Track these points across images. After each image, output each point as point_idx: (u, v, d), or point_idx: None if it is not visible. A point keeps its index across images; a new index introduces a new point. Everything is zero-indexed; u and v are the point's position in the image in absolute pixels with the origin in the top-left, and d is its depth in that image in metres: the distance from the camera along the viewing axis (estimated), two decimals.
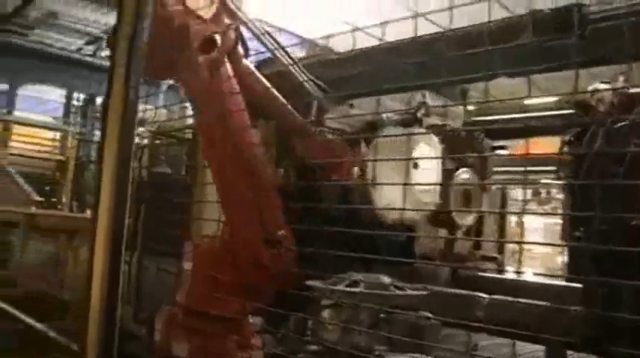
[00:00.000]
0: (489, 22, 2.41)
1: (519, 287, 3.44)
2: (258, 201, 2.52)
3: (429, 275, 3.80)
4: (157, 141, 5.01)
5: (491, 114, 5.81)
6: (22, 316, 3.68)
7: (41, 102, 12.46)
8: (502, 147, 5.43)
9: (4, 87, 11.08)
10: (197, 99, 2.68)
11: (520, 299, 2.80)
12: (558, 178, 3.87)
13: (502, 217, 5.61)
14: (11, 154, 8.96)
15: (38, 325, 3.60)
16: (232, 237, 2.54)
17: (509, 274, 5.28)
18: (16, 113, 11.34)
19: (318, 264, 2.49)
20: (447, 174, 4.38)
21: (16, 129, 9.66)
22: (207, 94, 2.56)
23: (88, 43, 13.19)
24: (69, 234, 5.16)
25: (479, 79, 2.90)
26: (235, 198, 2.54)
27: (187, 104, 3.89)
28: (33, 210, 5.42)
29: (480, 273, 4.18)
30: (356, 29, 2.62)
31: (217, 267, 2.55)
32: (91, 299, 1.62)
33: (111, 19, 11.77)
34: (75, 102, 11.64)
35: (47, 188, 9.09)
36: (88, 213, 7.80)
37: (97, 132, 10.86)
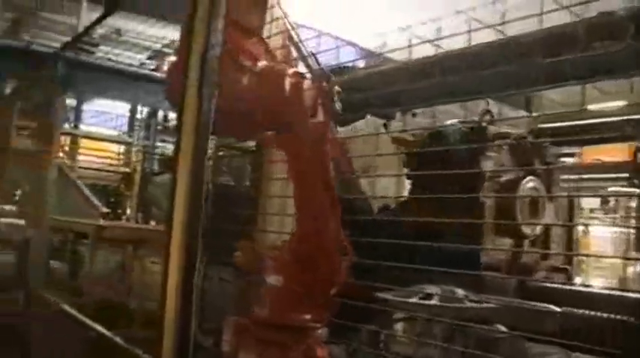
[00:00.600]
0: (549, 28, 2.36)
1: (592, 299, 3.33)
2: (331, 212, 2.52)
3: (495, 286, 3.71)
4: (220, 153, 5.07)
5: (557, 121, 5.68)
6: (93, 324, 3.78)
7: (106, 116, 12.82)
8: (570, 155, 5.30)
9: (72, 102, 11.43)
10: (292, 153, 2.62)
11: (594, 312, 2.71)
12: (632, 186, 3.75)
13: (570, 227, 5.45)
14: (79, 167, 9.25)
15: (107, 333, 3.70)
16: (306, 246, 2.53)
17: (579, 285, 5.12)
18: (83, 127, 11.71)
19: (380, 275, 2.46)
20: (513, 183, 4.29)
21: (83, 142, 9.97)
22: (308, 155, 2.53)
23: (150, 58, 13.53)
24: (135, 245, 5.26)
25: (548, 87, 2.84)
26: (314, 209, 2.53)
27: None
28: (101, 221, 5.56)
29: (549, 284, 4.06)
30: (420, 42, 2.59)
31: (286, 278, 2.55)
32: (166, 310, 1.64)
33: (170, 33, 12.06)
34: (139, 116, 11.93)
35: (112, 199, 9.34)
36: (153, 223, 7.97)
37: (160, 145, 11.13)
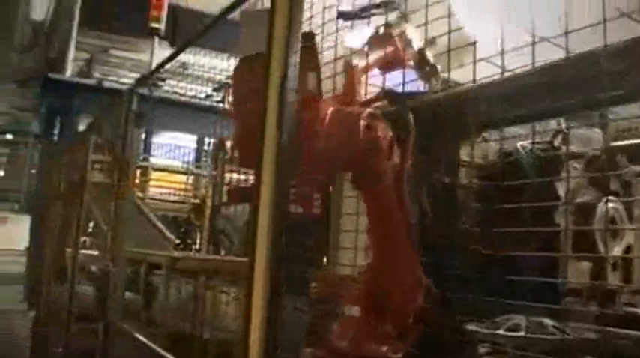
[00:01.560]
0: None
1: None
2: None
3: (576, 313, 3.56)
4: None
5: (634, 138, 5.45)
6: (167, 355, 3.82)
7: (175, 148, 13.14)
8: None
9: (141, 135, 11.77)
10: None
11: None
12: None
13: None
14: (149, 199, 9.49)
15: None
16: (381, 278, 2.50)
17: None
18: (152, 159, 12.03)
19: (457, 305, 2.39)
20: (590, 205, 4.13)
21: (153, 174, 10.24)
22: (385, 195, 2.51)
23: (215, 90, 13.84)
24: (207, 275, 5.31)
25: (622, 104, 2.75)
26: (389, 243, 2.49)
27: None
28: (175, 253, 5.65)
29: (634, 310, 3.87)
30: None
31: (362, 308, 2.51)
32: (250, 343, 1.63)
33: (231, 64, 12.32)
34: (206, 147, 12.18)
35: (182, 230, 9.52)
36: (222, 253, 8.06)
37: (227, 175, 11.29)
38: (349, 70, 2.66)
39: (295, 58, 1.53)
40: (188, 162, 11.01)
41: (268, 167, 1.59)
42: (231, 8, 2.34)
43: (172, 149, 13.32)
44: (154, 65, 11.00)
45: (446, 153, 4.12)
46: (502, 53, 2.50)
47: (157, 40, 11.33)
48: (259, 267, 1.58)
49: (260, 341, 1.58)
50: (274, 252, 1.57)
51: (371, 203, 2.52)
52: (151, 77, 4.40)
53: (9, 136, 20.04)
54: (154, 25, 11.57)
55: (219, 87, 13.55)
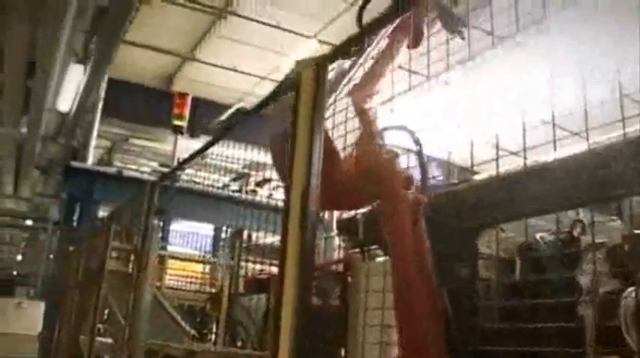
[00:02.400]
0: None
1: None
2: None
3: None
4: None
5: None
6: None
7: (191, 237, 13.22)
8: None
9: (158, 223, 11.88)
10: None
11: None
12: None
13: None
14: (166, 288, 9.46)
15: None
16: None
17: None
18: (169, 247, 12.07)
19: None
20: (613, 296, 4.06)
21: (170, 263, 10.25)
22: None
23: (233, 179, 14.04)
24: None
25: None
26: (421, 329, 2.49)
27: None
28: (193, 345, 5.58)
29: None
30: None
31: None
32: None
33: (252, 155, 12.55)
34: (223, 235, 12.24)
35: (198, 320, 9.42)
36: (239, 345, 7.94)
37: (244, 265, 11.29)
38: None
39: (318, 168, 1.58)
40: (205, 251, 11.04)
41: (292, 261, 1.61)
42: (265, 103, 2.42)
43: (189, 237, 13.39)
44: (176, 158, 11.27)
45: (464, 245, 4.10)
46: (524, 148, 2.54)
47: (178, 136, 11.70)
48: None
49: None
50: (297, 345, 1.57)
51: (398, 259, 2.57)
52: (176, 171, 4.49)
53: (29, 222, 20.25)
54: (177, 122, 11.96)
55: (238, 176, 13.76)
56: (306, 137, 1.61)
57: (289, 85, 1.78)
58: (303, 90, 1.63)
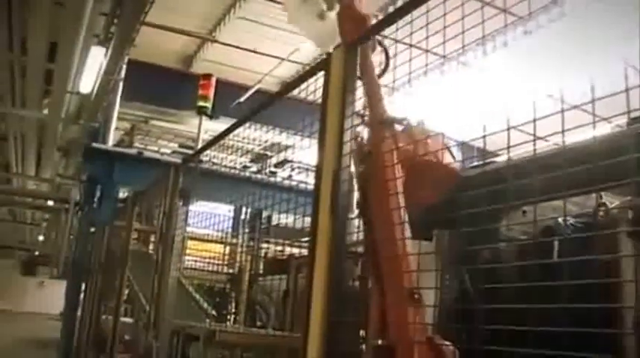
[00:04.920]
0: None
1: None
2: None
3: None
4: None
5: None
6: None
7: (211, 218, 13.25)
8: None
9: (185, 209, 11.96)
10: None
11: None
12: None
13: None
14: (186, 268, 9.53)
15: None
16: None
17: None
18: (189, 228, 12.11)
19: None
20: None
21: (190, 244, 10.30)
22: None
23: (252, 161, 14.07)
24: (244, 348, 5.28)
25: None
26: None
27: None
28: (212, 325, 5.64)
29: None
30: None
31: None
32: None
33: (271, 136, 12.56)
34: (242, 217, 12.29)
35: (218, 300, 9.51)
36: (258, 325, 8.01)
37: (264, 245, 11.36)
38: None
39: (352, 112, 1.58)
40: (225, 232, 11.08)
41: (322, 245, 1.61)
42: (290, 88, 2.41)
43: (209, 218, 13.42)
44: (200, 139, 11.30)
45: (487, 228, 4.09)
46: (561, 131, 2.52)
47: (203, 117, 11.69)
48: (313, 342, 1.57)
49: None
50: (328, 328, 1.57)
51: None
52: (201, 153, 4.51)
53: (50, 203, 20.46)
54: (202, 103, 11.95)
55: (257, 157, 13.78)
56: (336, 119, 1.61)
57: (317, 67, 1.78)
58: (334, 72, 1.62)
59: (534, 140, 2.43)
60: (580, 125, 2.19)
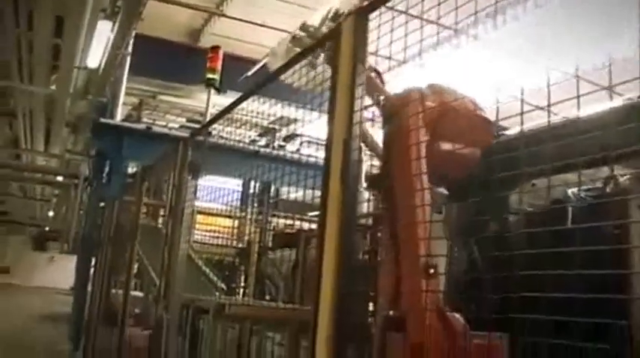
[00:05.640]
0: None
1: None
2: None
3: None
4: None
5: None
6: None
7: (220, 192, 13.28)
8: None
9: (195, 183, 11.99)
10: None
11: None
12: None
13: None
14: (194, 242, 9.58)
15: None
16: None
17: None
18: (197, 202, 12.15)
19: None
20: None
21: (198, 218, 10.34)
22: None
23: (260, 135, 14.05)
24: (254, 321, 5.30)
25: None
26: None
27: None
28: (222, 298, 5.67)
29: None
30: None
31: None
32: None
33: (279, 110, 12.53)
34: (251, 191, 12.30)
35: (227, 273, 9.57)
36: (267, 298, 8.06)
37: (273, 220, 11.39)
38: None
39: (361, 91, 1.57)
40: (233, 206, 11.11)
41: (333, 215, 1.61)
42: (293, 61, 2.39)
43: (217, 192, 13.45)
44: (209, 114, 11.27)
45: (496, 200, 4.08)
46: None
47: (211, 90, 11.63)
48: (323, 314, 1.58)
49: None
50: (338, 300, 1.57)
51: None
52: (209, 126, 4.50)
53: (59, 178, 20.56)
54: (210, 76, 11.86)
55: (265, 131, 13.74)
56: (347, 88, 1.59)
57: (327, 36, 1.76)
58: (344, 41, 1.60)
59: (543, 108, 2.41)
60: (588, 93, 2.16)
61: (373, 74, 2.63)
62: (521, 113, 2.46)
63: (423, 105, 2.16)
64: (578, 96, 1.94)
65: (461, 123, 2.43)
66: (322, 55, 2.36)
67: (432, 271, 2.49)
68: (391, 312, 2.41)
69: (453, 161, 2.58)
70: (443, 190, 3.01)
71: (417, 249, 2.37)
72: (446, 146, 2.42)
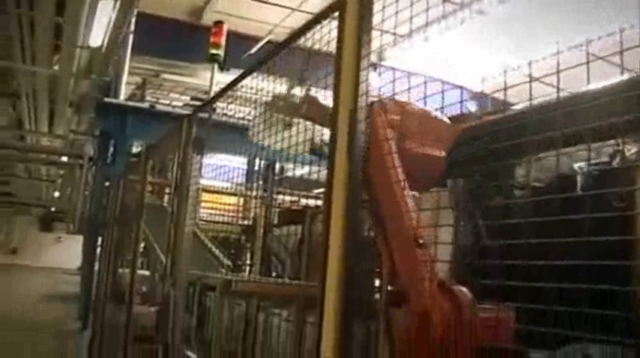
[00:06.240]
0: None
1: None
2: None
3: None
4: None
5: None
6: None
7: (224, 169, 13.29)
8: None
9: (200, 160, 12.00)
10: None
11: None
12: None
13: None
14: (200, 220, 9.61)
15: None
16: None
17: None
18: (202, 181, 12.17)
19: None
20: None
21: (204, 196, 10.36)
22: None
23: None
24: (260, 298, 5.33)
25: None
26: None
27: None
28: (228, 275, 5.69)
29: None
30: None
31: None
32: None
33: (282, 88, 12.47)
34: (256, 168, 12.30)
35: (233, 251, 9.60)
36: (273, 275, 8.10)
37: (278, 197, 11.39)
38: None
39: (367, 75, 1.56)
40: (238, 184, 11.12)
41: (339, 187, 1.60)
42: (297, 35, 2.37)
43: (222, 170, 13.45)
44: (212, 92, 11.23)
45: (501, 174, 4.08)
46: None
47: (215, 65, 11.55)
48: (330, 291, 1.58)
49: None
50: (345, 277, 1.57)
51: None
52: (212, 103, 4.48)
53: (64, 158, 20.59)
54: (214, 51, 11.78)
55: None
56: (352, 59, 1.58)
57: (332, 7, 1.74)
58: (349, 12, 1.58)
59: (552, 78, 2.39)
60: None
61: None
62: (531, 80, 2.43)
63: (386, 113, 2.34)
64: (587, 63, 1.92)
65: (420, 127, 2.59)
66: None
67: (421, 244, 2.53)
68: (391, 288, 2.43)
69: (418, 159, 2.67)
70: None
71: (403, 223, 2.44)
72: (411, 145, 2.58)
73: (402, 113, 2.60)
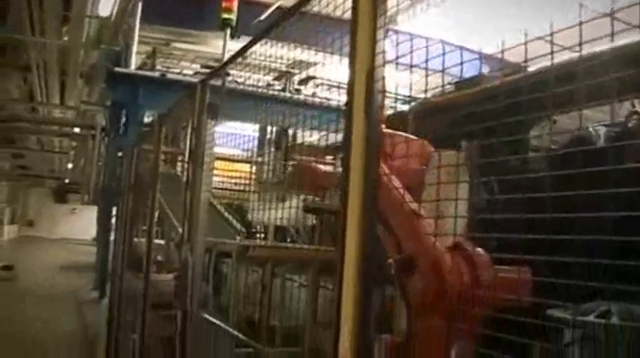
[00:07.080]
0: None
1: None
2: None
3: None
4: None
5: None
6: (249, 341, 3.90)
7: (237, 137, 13.28)
8: None
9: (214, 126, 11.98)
10: None
11: None
12: None
13: None
14: (214, 188, 9.63)
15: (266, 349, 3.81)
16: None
17: None
18: (215, 149, 12.17)
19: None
20: None
21: (217, 164, 10.36)
22: None
23: (276, 79, 13.92)
24: (275, 263, 5.36)
25: None
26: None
27: None
28: (244, 241, 5.73)
29: None
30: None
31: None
32: (341, 333, 1.62)
33: (294, 54, 12.36)
34: (268, 136, 12.30)
35: (246, 218, 9.64)
36: (288, 241, 8.15)
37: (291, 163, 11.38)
38: None
39: (383, 46, 1.53)
40: (251, 151, 11.13)
41: (356, 161, 1.57)
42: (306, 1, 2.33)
43: (234, 138, 13.44)
44: (226, 56, 11.14)
45: (516, 136, 4.02)
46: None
47: (227, 31, 11.39)
48: (349, 257, 1.57)
49: (353, 331, 1.58)
50: (365, 242, 1.56)
51: None
52: (223, 68, 4.45)
53: (76, 130, 20.65)
54: (226, 15, 11.56)
55: (281, 75, 13.61)
56: (368, 17, 1.55)
57: None
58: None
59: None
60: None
61: None
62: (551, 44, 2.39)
63: None
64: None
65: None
66: None
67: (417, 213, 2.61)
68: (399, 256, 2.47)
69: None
70: None
71: (400, 199, 2.59)
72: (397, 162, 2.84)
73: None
